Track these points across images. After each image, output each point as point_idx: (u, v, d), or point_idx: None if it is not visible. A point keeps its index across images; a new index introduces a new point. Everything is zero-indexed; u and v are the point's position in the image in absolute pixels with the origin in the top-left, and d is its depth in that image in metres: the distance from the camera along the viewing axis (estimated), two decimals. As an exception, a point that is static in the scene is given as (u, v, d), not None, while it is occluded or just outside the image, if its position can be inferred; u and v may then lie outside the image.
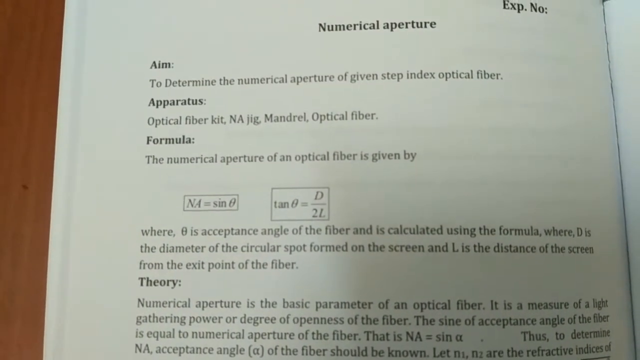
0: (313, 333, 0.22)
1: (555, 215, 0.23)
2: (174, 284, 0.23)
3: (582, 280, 0.23)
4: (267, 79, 0.24)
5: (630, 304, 0.23)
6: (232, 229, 0.23)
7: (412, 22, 0.24)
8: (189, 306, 0.23)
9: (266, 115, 0.24)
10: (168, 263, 0.23)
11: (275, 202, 0.23)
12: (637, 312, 0.23)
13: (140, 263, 0.23)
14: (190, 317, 0.23)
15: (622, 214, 0.24)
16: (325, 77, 0.24)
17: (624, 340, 0.23)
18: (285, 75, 0.24)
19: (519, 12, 0.24)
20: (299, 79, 0.24)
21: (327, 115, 0.23)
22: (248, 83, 0.24)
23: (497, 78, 0.23)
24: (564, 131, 0.23)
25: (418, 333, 0.22)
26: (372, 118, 0.23)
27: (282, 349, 0.22)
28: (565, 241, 0.23)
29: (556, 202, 0.23)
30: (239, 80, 0.24)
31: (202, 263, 0.23)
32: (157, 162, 0.24)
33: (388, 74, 0.23)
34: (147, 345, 0.23)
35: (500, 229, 0.22)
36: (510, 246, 0.22)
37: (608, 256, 0.23)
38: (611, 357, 0.22)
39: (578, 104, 0.24)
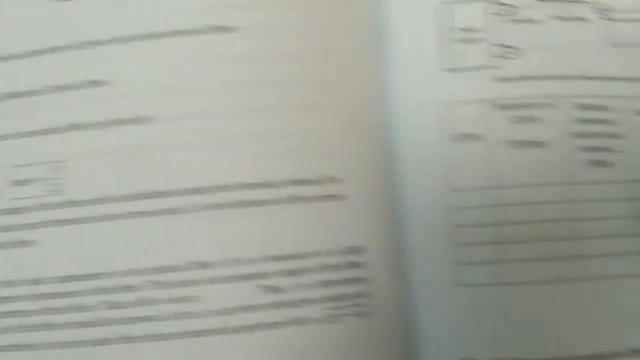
0: (52, 309, 0.22)
1: (296, 166, 0.22)
2: None
3: (331, 228, 0.22)
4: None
5: (395, 250, 0.23)
6: (-31, 212, 0.22)
7: (137, -19, 0.23)
8: None
9: (2, 94, 0.23)
10: None
11: (11, 181, 0.22)
12: (403, 258, 0.23)
13: None
14: None
15: (383, 161, 0.23)
16: (59, 47, 0.23)
17: (386, 286, 0.23)
18: (21, 51, 0.23)
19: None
20: (33, 53, 0.23)
21: (64, 86, 0.23)
22: (-19, 61, 0.23)
23: (235, 31, 0.23)
24: (307, 81, 0.23)
25: (154, 298, 0.21)
26: (106, 85, 0.23)
27: (23, 326, 0.22)
28: (310, 191, 0.22)
29: (298, 153, 0.22)
30: (-29, 59, 0.23)
31: (-57, 248, 0.22)
32: None
33: (116, 37, 0.23)
34: None
35: (234, 185, 0.22)
36: (245, 201, 0.22)
37: (363, 203, 0.23)
38: (371, 304, 0.22)
39: (326, 52, 0.23)
